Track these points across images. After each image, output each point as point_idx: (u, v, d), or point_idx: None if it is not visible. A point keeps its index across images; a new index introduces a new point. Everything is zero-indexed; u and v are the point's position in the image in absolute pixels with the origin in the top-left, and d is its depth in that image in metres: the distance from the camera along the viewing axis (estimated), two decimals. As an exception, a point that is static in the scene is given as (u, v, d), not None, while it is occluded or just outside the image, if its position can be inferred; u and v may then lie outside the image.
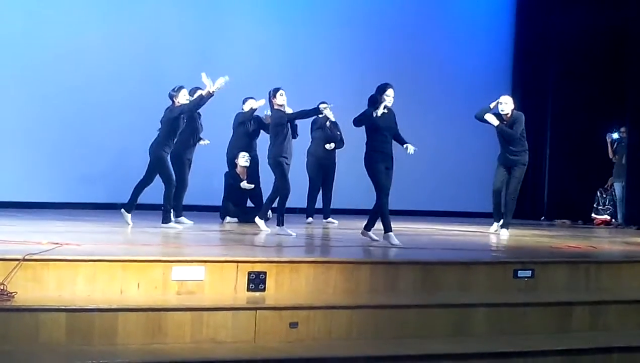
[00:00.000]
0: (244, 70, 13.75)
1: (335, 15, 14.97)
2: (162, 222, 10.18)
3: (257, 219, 10.23)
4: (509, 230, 10.98)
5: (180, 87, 10.41)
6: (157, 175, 10.25)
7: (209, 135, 12.11)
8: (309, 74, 13.94)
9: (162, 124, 10.28)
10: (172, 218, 10.44)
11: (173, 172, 10.28)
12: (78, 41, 13.15)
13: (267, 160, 10.18)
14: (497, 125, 10.76)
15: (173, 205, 10.53)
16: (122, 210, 10.28)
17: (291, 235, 9.63)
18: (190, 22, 14.05)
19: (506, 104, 10.77)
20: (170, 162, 10.29)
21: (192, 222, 10.88)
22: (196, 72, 12.86)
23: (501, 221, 11.03)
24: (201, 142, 11.45)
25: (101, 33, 13.31)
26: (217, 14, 14.24)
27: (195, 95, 10.42)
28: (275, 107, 10.17)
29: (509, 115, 10.75)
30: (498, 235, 10.86)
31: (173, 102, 10.33)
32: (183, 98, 10.34)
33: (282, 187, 9.98)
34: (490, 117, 10.78)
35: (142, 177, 10.27)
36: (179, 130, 10.33)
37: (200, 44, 13.98)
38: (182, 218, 10.98)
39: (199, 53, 13.81)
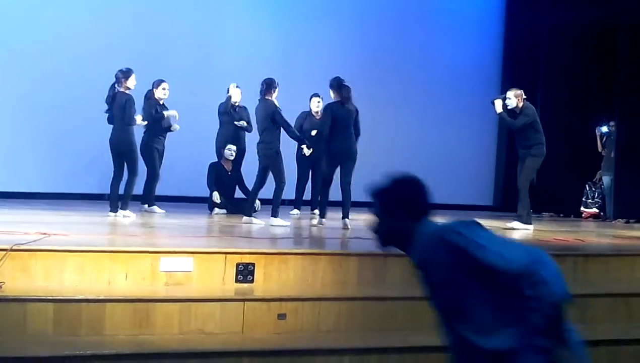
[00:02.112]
0: (235, 62, 13.74)
1: (324, 9, 14.91)
2: (122, 208, 10.17)
3: (272, 219, 10.00)
4: (525, 224, 10.85)
5: (130, 70, 10.33)
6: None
7: (198, 126, 12.11)
8: (298, 67, 13.91)
9: (115, 111, 10.20)
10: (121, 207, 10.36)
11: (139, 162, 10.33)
12: (70, 30, 13.10)
13: (265, 151, 10.04)
14: (498, 113, 10.82)
15: (146, 194, 10.65)
16: (109, 213, 10.18)
17: (286, 226, 9.68)
18: (184, 13, 13.98)
19: (509, 99, 10.77)
20: (139, 150, 10.37)
21: (164, 211, 10.88)
22: (191, 65, 12.91)
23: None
24: (172, 128, 11.41)
25: (94, 23, 13.25)
26: (209, 6, 14.19)
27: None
28: (269, 97, 10.08)
29: (518, 108, 10.75)
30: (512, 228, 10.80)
31: (120, 82, 10.25)
32: (131, 83, 10.31)
33: (281, 180, 10.03)
34: (497, 103, 10.81)
35: (113, 174, 10.23)
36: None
37: (193, 36, 13.93)
38: (155, 208, 11.02)
39: (193, 44, 13.82)
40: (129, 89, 10.30)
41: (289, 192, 11.87)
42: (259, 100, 10.18)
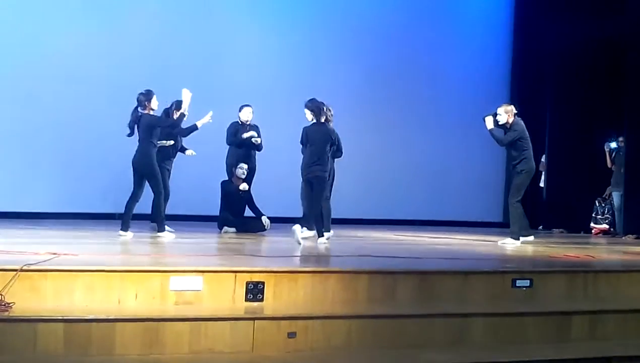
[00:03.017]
0: (245, 81, 13.77)
1: (332, 26, 14.99)
2: (159, 231, 10.18)
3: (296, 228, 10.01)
4: (514, 239, 10.89)
5: (151, 91, 10.32)
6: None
7: (206, 143, 12.10)
8: (309, 79, 13.94)
9: (140, 132, 10.22)
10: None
11: (160, 181, 10.30)
12: (80, 50, 13.18)
13: (321, 173, 10.09)
14: (489, 129, 10.93)
15: (155, 214, 10.59)
16: (120, 232, 10.17)
17: (299, 243, 9.72)
18: (194, 34, 14.05)
19: (500, 115, 10.92)
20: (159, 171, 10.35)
21: (173, 231, 10.74)
22: (200, 79, 12.94)
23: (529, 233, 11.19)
24: (187, 153, 11.46)
25: (103, 41, 13.36)
26: (219, 27, 14.25)
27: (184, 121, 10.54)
28: (324, 121, 10.21)
29: (509, 123, 10.85)
30: (500, 244, 10.92)
31: (144, 106, 10.24)
32: (154, 104, 10.30)
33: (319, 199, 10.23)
34: (488, 119, 10.91)
35: (131, 192, 10.19)
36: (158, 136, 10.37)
37: (203, 56, 14.00)
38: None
39: (203, 65, 13.87)
40: (152, 110, 10.30)
41: (296, 210, 11.89)
42: (314, 123, 10.18)
